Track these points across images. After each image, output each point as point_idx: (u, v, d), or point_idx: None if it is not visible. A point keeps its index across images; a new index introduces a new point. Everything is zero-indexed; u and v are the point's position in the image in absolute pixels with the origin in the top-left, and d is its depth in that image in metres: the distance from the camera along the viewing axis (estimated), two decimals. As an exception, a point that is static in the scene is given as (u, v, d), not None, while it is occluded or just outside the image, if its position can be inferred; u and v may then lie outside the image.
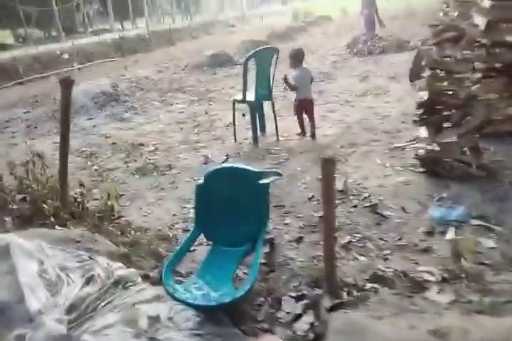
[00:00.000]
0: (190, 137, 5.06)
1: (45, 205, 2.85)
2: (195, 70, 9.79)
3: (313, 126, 4.56)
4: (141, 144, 4.90)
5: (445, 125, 3.32)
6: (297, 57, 4.50)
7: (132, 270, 2.04)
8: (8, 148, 5.35)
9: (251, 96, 4.44)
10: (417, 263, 2.31)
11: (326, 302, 1.90)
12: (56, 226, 2.48)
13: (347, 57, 9.41)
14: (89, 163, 4.45)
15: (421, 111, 3.30)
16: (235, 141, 4.70)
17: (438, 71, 3.20)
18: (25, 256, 1.98)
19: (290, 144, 4.45)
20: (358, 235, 2.67)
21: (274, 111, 4.62)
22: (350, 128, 4.73)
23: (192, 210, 3.31)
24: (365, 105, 5.57)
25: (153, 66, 11.11)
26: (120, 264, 2.07)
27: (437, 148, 3.13)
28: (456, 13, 5.04)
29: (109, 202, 2.83)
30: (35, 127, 6.17)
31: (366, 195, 3.16)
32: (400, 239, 2.57)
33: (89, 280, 1.95)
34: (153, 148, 4.76)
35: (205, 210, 2.29)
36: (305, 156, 4.07)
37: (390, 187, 3.24)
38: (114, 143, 5.03)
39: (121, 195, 3.66)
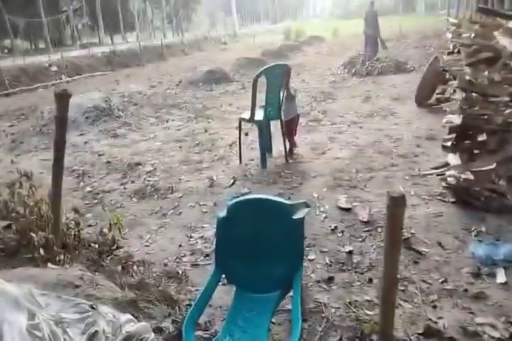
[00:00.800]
0: (191, 156, 4.75)
1: (33, 235, 2.48)
2: (189, 86, 9.58)
3: (292, 144, 4.49)
4: (138, 163, 4.56)
5: (475, 152, 3.12)
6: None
7: (144, 324, 1.69)
8: (-10, 165, 4.93)
9: (259, 115, 4.20)
10: (472, 312, 2.03)
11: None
12: (49, 264, 2.11)
13: (346, 77, 9.39)
14: (81, 183, 4.07)
15: (451, 136, 3.10)
16: (240, 162, 4.42)
17: (472, 94, 3.01)
18: (11, 307, 1.60)
19: (301, 167, 4.19)
20: (395, 275, 2.38)
21: (283, 131, 4.37)
22: (362, 151, 4.52)
23: (199, 241, 3.01)
24: (374, 127, 5.39)
25: (145, 81, 10.89)
26: (129, 316, 1.70)
27: (471, 177, 2.91)
28: (471, 34, 5.01)
29: (109, 234, 2.47)
30: (21, 142, 5.76)
31: (395, 226, 2.88)
32: (444, 282, 2.29)
33: (91, 338, 1.58)
34: (152, 168, 4.43)
35: (228, 248, 1.96)
36: (319, 181, 3.80)
37: (421, 218, 2.98)
38: (108, 162, 4.67)
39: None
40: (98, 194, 3.83)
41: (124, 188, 3.93)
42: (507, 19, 2.86)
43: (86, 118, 5.92)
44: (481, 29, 3.21)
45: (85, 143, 5.53)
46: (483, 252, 2.49)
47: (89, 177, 4.28)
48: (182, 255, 2.83)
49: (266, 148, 4.44)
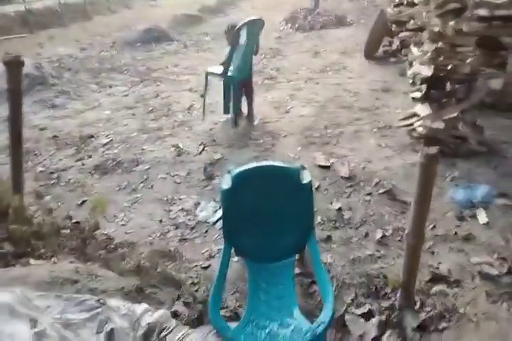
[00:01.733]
0: (148, 124, 4.31)
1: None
2: (126, 47, 8.59)
3: (251, 107, 4.10)
4: (91, 136, 4.04)
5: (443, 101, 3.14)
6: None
7: (162, 311, 1.48)
8: None
9: (233, 72, 3.85)
10: (467, 253, 2.09)
11: (410, 320, 1.57)
12: (31, 260, 1.77)
13: (290, 33, 9.01)
14: (29, 163, 3.51)
15: (419, 87, 3.06)
16: (203, 118, 4.10)
17: (440, 45, 2.94)
18: (6, 316, 1.31)
19: (268, 127, 3.99)
20: (388, 227, 2.38)
21: (251, 91, 4.06)
22: (325, 106, 4.40)
23: (181, 214, 2.78)
24: (330, 82, 5.27)
25: (73, 43, 9.57)
26: (144, 306, 1.49)
27: (441, 125, 2.93)
28: None
29: (92, 219, 2.14)
30: None
31: (376, 179, 2.88)
32: (434, 227, 2.34)
33: (110, 337, 1.36)
34: (107, 139, 3.94)
35: (237, 220, 1.77)
36: (291, 140, 3.66)
37: (398, 169, 2.99)
38: (54, 137, 4.07)
39: (84, 201, 2.95)
40: (53, 173, 3.34)
41: (82, 164, 3.47)
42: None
43: (15, 88, 5.05)
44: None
45: (20, 116, 4.76)
46: (461, 196, 2.57)
47: (35, 155, 3.71)
48: (166, 231, 2.60)
49: (234, 108, 4.12)
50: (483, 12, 2.92)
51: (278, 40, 8.34)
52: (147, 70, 6.67)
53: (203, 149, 3.60)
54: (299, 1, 14.34)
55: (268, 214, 1.78)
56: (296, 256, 2.06)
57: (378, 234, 2.31)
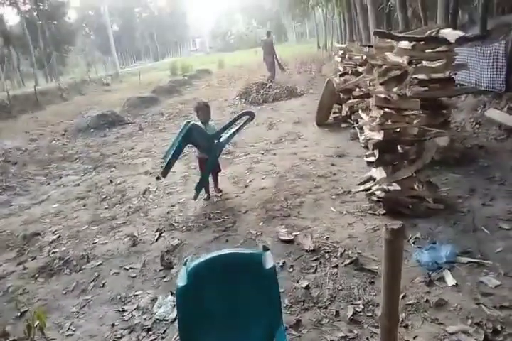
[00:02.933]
0: (101, 214, 4.29)
1: None
2: (78, 134, 8.92)
3: (216, 182, 4.45)
4: (36, 234, 3.94)
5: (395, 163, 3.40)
6: (209, 109, 4.33)
7: None
8: None
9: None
10: (441, 323, 2.10)
11: None
12: None
13: (244, 107, 9.73)
14: (-38, 273, 3.33)
15: (372, 151, 3.33)
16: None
17: (387, 110, 3.30)
18: None
19: (228, 204, 4.08)
20: (358, 302, 2.38)
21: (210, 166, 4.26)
22: (284, 177, 4.62)
23: (136, 313, 2.65)
24: (286, 152, 5.61)
25: (22, 134, 9.81)
26: None
27: (398, 187, 3.14)
28: (363, 56, 5.59)
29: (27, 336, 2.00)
30: None
31: (341, 250, 2.94)
32: (405, 297, 2.36)
33: None
34: (55, 236, 3.86)
35: (195, 322, 1.72)
36: (252, 215, 3.74)
37: (361, 236, 3.09)
38: (-5, 239, 3.94)
39: (25, 312, 2.76)
40: (-11, 282, 3.16)
41: (24, 268, 3.32)
42: (399, 40, 3.26)
43: (-47, 189, 5.00)
44: (376, 50, 3.59)
45: (-43, 220, 4.63)
46: (426, 258, 2.65)
47: (-29, 262, 3.54)
48: (118, 336, 2.44)
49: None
50: (421, 76, 3.37)
51: (233, 115, 8.94)
52: (100, 156, 6.86)
53: (160, 235, 3.58)
54: (251, 77, 15.85)
55: (230, 311, 1.74)
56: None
57: (350, 312, 2.29)
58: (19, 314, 2.74)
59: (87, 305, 2.80)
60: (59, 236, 3.84)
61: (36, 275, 3.21)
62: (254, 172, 4.96)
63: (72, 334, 2.51)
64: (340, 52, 7.77)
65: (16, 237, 3.93)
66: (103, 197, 4.81)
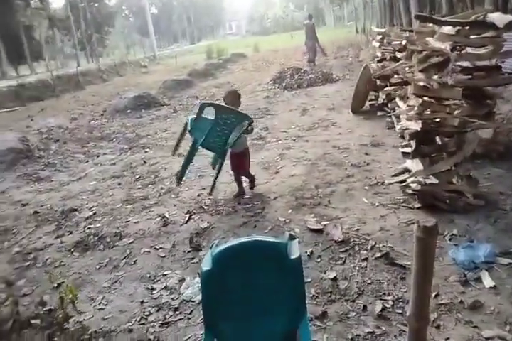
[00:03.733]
0: (134, 193, 4.36)
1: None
2: (116, 115, 9.07)
3: (250, 177, 4.01)
4: (73, 209, 4.06)
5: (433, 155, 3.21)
6: (239, 98, 3.85)
7: None
8: None
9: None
10: (475, 326, 1.98)
11: None
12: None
13: (278, 92, 9.56)
14: (5, 243, 3.48)
15: (409, 142, 3.15)
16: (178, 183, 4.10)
17: (426, 99, 3.09)
18: None
19: (258, 190, 4.02)
20: (388, 297, 2.28)
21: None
22: (315, 164, 4.50)
23: (164, 292, 2.68)
24: (319, 139, 5.45)
25: (64, 113, 10.11)
26: None
27: (435, 181, 2.97)
28: (402, 42, 5.30)
29: (60, 310, 2.06)
30: None
31: (372, 242, 2.83)
32: (437, 296, 2.24)
33: None
34: (91, 212, 3.96)
35: (219, 306, 1.70)
36: (281, 202, 3.67)
37: (394, 229, 2.96)
38: (36, 213, 4.09)
39: (60, 284, 2.85)
40: (29, 253, 3.29)
41: (61, 242, 3.43)
42: (442, 25, 3.01)
43: (0, 163, 5.22)
44: (416, 35, 3.35)
45: (2, 192, 4.84)
46: (463, 257, 2.50)
47: (13, 234, 3.69)
48: (147, 313, 2.47)
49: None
50: (465, 63, 3.13)
51: (266, 99, 8.82)
52: (136, 137, 6.95)
53: (190, 217, 3.59)
54: (286, 61, 15.51)
55: (254, 297, 1.71)
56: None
57: (378, 307, 2.20)
58: (56, 285, 2.84)
59: (118, 281, 2.85)
60: (94, 213, 3.94)
61: (72, 250, 3.31)
62: (285, 158, 4.86)
63: (103, 309, 2.57)
64: (379, 37, 7.39)
65: (55, 212, 4.06)
66: (137, 177, 4.87)
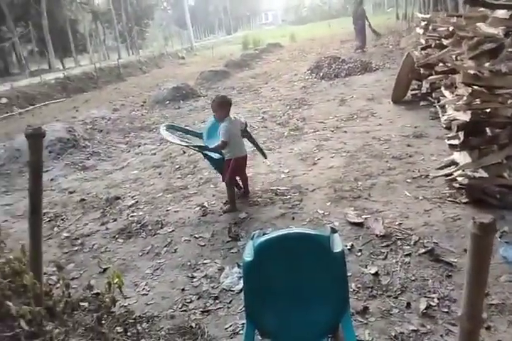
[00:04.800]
0: (174, 183, 4.44)
1: (10, 304, 2.11)
2: (156, 106, 9.24)
3: (247, 183, 3.77)
4: (117, 197, 4.20)
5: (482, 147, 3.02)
6: (227, 106, 3.51)
7: None
8: None
9: None
10: (531, 330, 1.85)
11: None
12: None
13: (315, 82, 9.35)
14: (55, 229, 3.66)
15: (456, 133, 2.98)
16: None
17: (477, 88, 2.90)
18: None
19: (296, 181, 3.97)
20: (433, 295, 2.19)
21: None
22: (354, 156, 4.37)
23: (204, 281, 2.71)
24: (358, 130, 5.29)
25: (107, 104, 10.44)
26: None
27: (484, 174, 2.79)
28: (449, 28, 5.01)
29: (108, 295, 2.13)
30: (-23, 187, 5.22)
31: (415, 238, 2.72)
32: (487, 295, 2.11)
33: None
34: (134, 201, 4.07)
35: (260, 297, 1.69)
36: (319, 194, 3.60)
37: (439, 225, 2.83)
38: (82, 200, 4.27)
39: (106, 269, 2.97)
40: (77, 239, 3.44)
41: (106, 229, 3.56)
42: (494, 8, 2.79)
43: (49, 152, 5.47)
44: (465, 21, 3.14)
45: (51, 180, 5.08)
46: (516, 256, 2.35)
47: (62, 220, 3.88)
48: (188, 301, 2.52)
49: None
50: None
51: (303, 89, 8.66)
52: (175, 127, 7.04)
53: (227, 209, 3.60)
54: (323, 50, 15.14)
55: (296, 289, 1.69)
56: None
57: (422, 305, 2.11)
58: (102, 270, 2.95)
59: (160, 268, 2.93)
60: (137, 202, 4.05)
61: (116, 236, 3.43)
62: (323, 150, 4.76)
63: (146, 294, 2.65)
64: (423, 23, 7.02)
65: (100, 199, 4.22)
66: (176, 166, 4.95)
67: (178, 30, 34.63)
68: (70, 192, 4.56)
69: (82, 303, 2.33)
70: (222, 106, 3.48)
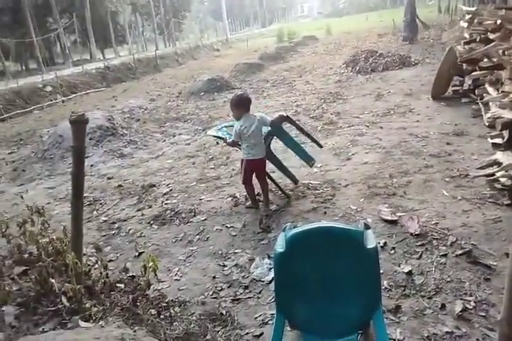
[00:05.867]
0: (208, 173, 4.49)
1: (53, 281, 2.22)
2: (191, 97, 9.35)
3: (266, 192, 3.45)
4: (153, 185, 4.30)
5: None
6: (243, 105, 3.28)
7: None
8: (-6, 197, 4.68)
9: None
10: None
11: None
12: (80, 322, 1.84)
13: (350, 76, 9.14)
14: (94, 212, 3.81)
15: (500, 132, 2.83)
16: None
17: None
18: None
19: (329, 175, 3.92)
20: (470, 298, 2.10)
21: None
22: (390, 153, 4.25)
23: (234, 270, 2.74)
24: (394, 126, 5.13)
25: (144, 94, 10.66)
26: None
27: (530, 177, 2.64)
28: (496, 21, 4.76)
29: (144, 278, 2.19)
30: (23, 170, 5.50)
31: (452, 238, 2.62)
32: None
33: None
34: (168, 189, 4.16)
35: (291, 288, 1.69)
36: (353, 190, 3.54)
37: (478, 226, 2.71)
38: (119, 186, 4.41)
39: (141, 253, 3.05)
40: (114, 223, 3.56)
41: (142, 214, 3.66)
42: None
43: (90, 139, 5.67)
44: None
45: (91, 166, 5.27)
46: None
47: (101, 204, 4.02)
48: (219, 289, 2.56)
49: None
50: None
51: (338, 83, 8.49)
52: (209, 119, 7.12)
53: (259, 199, 3.60)
54: (360, 44, 14.75)
55: (327, 283, 1.68)
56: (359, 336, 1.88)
57: (458, 307, 2.04)
58: (137, 254, 3.04)
59: (192, 255, 2.98)
60: (171, 190, 4.13)
61: (151, 222, 3.51)
62: (357, 145, 4.66)
63: (178, 280, 2.70)
64: (468, 16, 6.67)
65: (136, 186, 4.33)
66: (210, 157, 5.00)
67: (214, 23, 34.74)
68: (109, 178, 4.72)
69: (118, 285, 2.42)
70: (237, 105, 3.27)
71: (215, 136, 3.75)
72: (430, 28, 14.31)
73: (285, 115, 3.53)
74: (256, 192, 3.53)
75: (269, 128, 3.41)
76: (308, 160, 3.70)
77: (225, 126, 3.78)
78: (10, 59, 18.03)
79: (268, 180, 3.54)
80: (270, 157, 3.56)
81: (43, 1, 18.88)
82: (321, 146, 3.87)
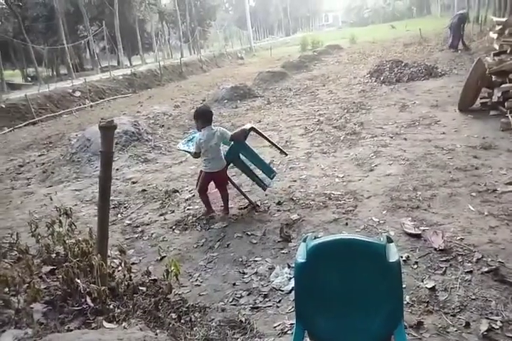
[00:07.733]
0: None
1: (79, 282, 2.30)
2: (214, 104, 9.48)
3: (226, 200, 3.68)
4: (175, 190, 4.38)
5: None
6: (203, 117, 3.49)
7: None
8: (24, 198, 4.87)
9: None
10: None
11: None
12: (104, 323, 1.89)
13: (374, 86, 9.09)
14: (119, 215, 3.91)
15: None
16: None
17: None
18: None
19: (351, 186, 3.90)
20: (496, 317, 2.05)
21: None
22: (414, 165, 4.20)
23: (254, 278, 2.76)
24: (419, 138, 5.07)
25: (168, 101, 10.90)
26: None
27: None
28: None
29: (165, 281, 2.24)
30: (52, 172, 5.70)
31: (478, 255, 2.56)
32: (559, 324, 1.95)
33: None
34: (190, 195, 4.23)
35: (311, 299, 1.70)
36: (375, 202, 3.51)
37: (506, 243, 2.64)
38: (143, 190, 4.51)
39: (163, 257, 3.11)
40: (138, 227, 3.65)
41: (164, 219, 3.74)
42: None
43: (116, 143, 5.83)
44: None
45: (117, 170, 5.41)
46: None
47: (125, 208, 4.13)
48: (238, 296, 2.58)
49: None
50: None
51: (362, 93, 8.46)
52: (231, 126, 7.19)
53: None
54: (385, 53, 14.67)
55: (348, 295, 1.68)
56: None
57: (483, 326, 1.99)
58: (159, 258, 3.10)
59: (213, 261, 3.02)
60: (193, 195, 4.20)
61: (173, 227, 3.58)
62: (380, 156, 4.62)
63: (199, 285, 2.74)
64: (498, 27, 6.56)
65: (160, 191, 4.43)
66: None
67: (238, 31, 35.27)
68: (133, 183, 4.84)
69: (140, 287, 2.48)
70: (197, 117, 3.52)
71: (183, 150, 3.86)
72: (470, 49, 13.94)
73: (248, 127, 3.68)
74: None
75: (231, 142, 3.59)
76: (269, 173, 3.83)
77: (189, 140, 3.87)
78: (42, 65, 18.79)
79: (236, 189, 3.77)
80: (237, 163, 3.74)
81: (74, 9, 19.68)
82: (285, 154, 4.15)
